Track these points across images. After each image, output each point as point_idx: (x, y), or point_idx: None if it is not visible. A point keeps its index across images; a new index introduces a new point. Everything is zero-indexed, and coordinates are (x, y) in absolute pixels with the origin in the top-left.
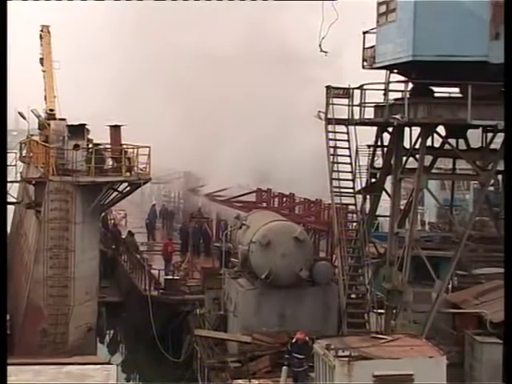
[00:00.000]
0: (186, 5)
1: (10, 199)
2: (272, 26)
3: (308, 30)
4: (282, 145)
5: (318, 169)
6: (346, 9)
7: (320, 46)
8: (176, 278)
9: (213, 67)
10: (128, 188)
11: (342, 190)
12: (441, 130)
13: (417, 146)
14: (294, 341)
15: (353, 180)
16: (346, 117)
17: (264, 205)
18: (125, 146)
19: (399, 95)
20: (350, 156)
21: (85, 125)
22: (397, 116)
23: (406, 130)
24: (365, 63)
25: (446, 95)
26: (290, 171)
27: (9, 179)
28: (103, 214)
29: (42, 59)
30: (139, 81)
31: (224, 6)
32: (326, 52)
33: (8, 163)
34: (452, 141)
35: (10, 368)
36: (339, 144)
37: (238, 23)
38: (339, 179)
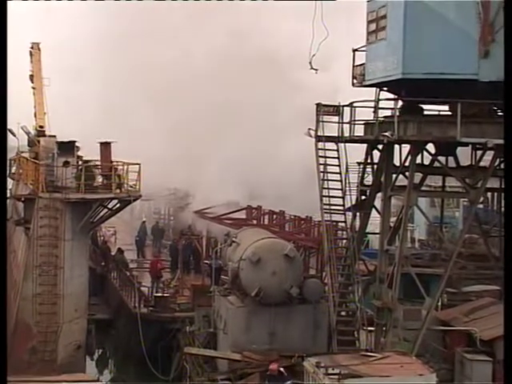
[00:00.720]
0: (170, 16)
1: None
2: (261, 36)
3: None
4: (272, 158)
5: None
6: (335, 27)
7: (310, 63)
8: (166, 295)
9: (199, 79)
10: (118, 205)
11: (332, 207)
12: (430, 147)
13: (406, 164)
14: (268, 373)
15: (343, 197)
16: (336, 134)
17: (254, 222)
18: (115, 163)
19: (389, 113)
20: (340, 173)
21: (75, 142)
22: (387, 133)
23: (396, 147)
24: (354, 81)
25: (436, 113)
26: (278, 186)
27: None
28: (93, 231)
29: (31, 76)
30: (125, 96)
31: (209, 14)
32: (316, 70)
33: None
34: (442, 158)
35: None
36: (329, 161)
37: (222, 29)
38: (329, 196)
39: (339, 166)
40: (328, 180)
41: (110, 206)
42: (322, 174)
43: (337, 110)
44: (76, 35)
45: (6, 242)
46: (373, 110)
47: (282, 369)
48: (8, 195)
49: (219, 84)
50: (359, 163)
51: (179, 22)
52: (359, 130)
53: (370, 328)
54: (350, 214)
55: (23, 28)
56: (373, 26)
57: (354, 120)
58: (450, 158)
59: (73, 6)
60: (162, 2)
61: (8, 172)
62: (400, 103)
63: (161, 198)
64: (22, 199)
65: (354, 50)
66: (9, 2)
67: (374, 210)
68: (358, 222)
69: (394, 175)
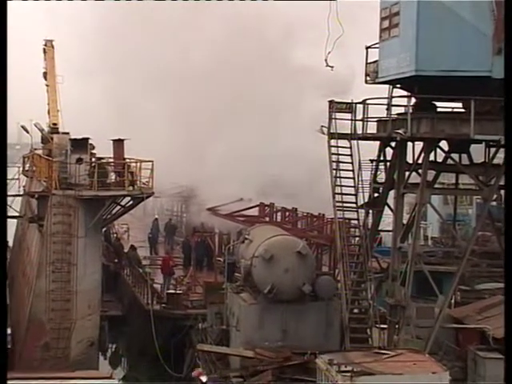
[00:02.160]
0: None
1: (12, 213)
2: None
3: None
4: (285, 156)
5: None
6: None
7: (326, 60)
8: (178, 292)
9: (207, 74)
10: (131, 202)
11: (345, 204)
12: (444, 144)
13: (420, 161)
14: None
15: (355, 195)
16: (349, 131)
17: (267, 219)
18: (128, 160)
19: (402, 110)
20: (352, 171)
21: (88, 139)
22: (400, 131)
23: (409, 144)
24: (368, 78)
25: (449, 110)
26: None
27: (12, 193)
28: (106, 227)
29: (45, 73)
30: (138, 95)
31: (210, 8)
32: (332, 67)
33: (11, 177)
34: (455, 156)
35: (12, 382)
36: (342, 159)
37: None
38: (342, 194)
39: (352, 163)
40: (341, 177)
41: (122, 203)
42: (334, 172)
43: (349, 108)
44: (83, 32)
45: (5, 243)
46: (386, 107)
47: (204, 378)
48: (21, 192)
49: (227, 79)
50: (372, 160)
51: (181, 17)
52: (372, 128)
53: (382, 326)
54: (362, 212)
55: (37, 25)
56: (386, 23)
57: (367, 117)
58: (464, 156)
59: (80, 3)
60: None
61: (21, 169)
62: (413, 100)
63: (172, 195)
64: (36, 196)
65: (367, 47)
66: (11, 2)
67: (386, 207)
68: (370, 220)
69: (407, 173)
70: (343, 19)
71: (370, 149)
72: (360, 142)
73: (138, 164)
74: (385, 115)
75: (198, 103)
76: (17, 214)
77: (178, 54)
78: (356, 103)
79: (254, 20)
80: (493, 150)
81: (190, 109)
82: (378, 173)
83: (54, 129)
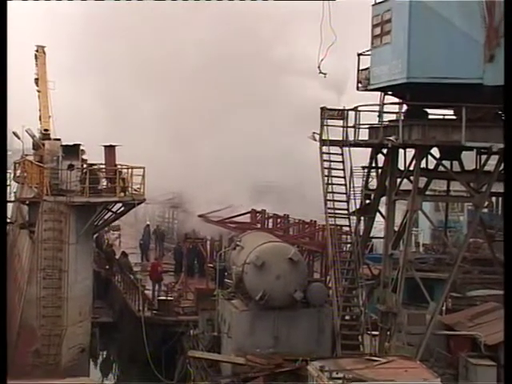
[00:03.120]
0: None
1: None
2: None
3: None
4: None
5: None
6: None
7: (319, 67)
8: (169, 298)
9: (200, 78)
10: (122, 208)
11: (337, 211)
12: (435, 151)
13: (411, 168)
14: None
15: (347, 201)
16: (341, 138)
17: (258, 226)
18: (119, 167)
19: (394, 117)
20: (344, 177)
21: (79, 145)
22: (391, 138)
23: (401, 151)
24: (359, 85)
25: (441, 117)
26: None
27: None
28: (97, 234)
29: (36, 79)
30: (129, 99)
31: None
32: (325, 74)
33: None
34: (446, 163)
35: None
36: (334, 165)
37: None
38: (334, 200)
39: (344, 169)
40: (332, 184)
41: (114, 209)
42: (326, 178)
43: (341, 114)
44: (72, 34)
45: (5, 244)
46: (377, 114)
47: None
48: (13, 198)
49: (219, 80)
50: (364, 167)
51: (173, 17)
52: (364, 134)
53: (374, 332)
54: (354, 218)
55: (29, 30)
56: (378, 30)
57: (359, 124)
58: (455, 163)
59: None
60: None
61: (13, 175)
62: (405, 107)
63: (163, 202)
64: (27, 202)
65: (359, 54)
66: (10, 3)
67: (378, 214)
68: (362, 226)
69: (399, 179)
70: (338, 22)
71: (362, 156)
72: (352, 148)
73: (130, 170)
74: (376, 122)
75: (189, 105)
76: (8, 220)
77: (170, 54)
78: (348, 110)
79: (247, 19)
80: (484, 157)
81: (181, 112)
82: (370, 179)
83: (45, 135)
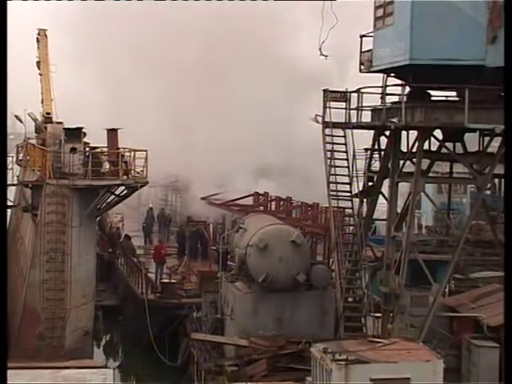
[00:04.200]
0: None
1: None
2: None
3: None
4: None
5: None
6: (344, 12)
7: (320, 49)
8: (173, 281)
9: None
10: (125, 191)
11: (339, 193)
12: (438, 133)
13: (414, 150)
14: None
15: (350, 183)
16: (343, 120)
17: (261, 208)
18: (122, 150)
19: (396, 99)
20: (347, 159)
21: (81, 128)
22: (394, 119)
23: (403, 133)
24: (362, 67)
25: (444, 99)
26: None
27: None
28: (100, 217)
29: (38, 62)
30: (130, 83)
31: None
32: (326, 56)
33: None
34: (449, 144)
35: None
36: (336, 147)
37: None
38: (336, 182)
39: (346, 152)
40: (335, 166)
41: (117, 192)
42: (329, 161)
43: (344, 96)
44: (74, 19)
45: (5, 240)
46: (380, 96)
47: None
48: (15, 182)
49: (218, 67)
50: (366, 149)
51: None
52: (366, 116)
53: (376, 314)
54: (357, 201)
55: (31, 13)
56: (380, 12)
57: (362, 106)
58: (458, 144)
59: None
60: None
61: (15, 158)
62: (407, 89)
63: (166, 185)
64: (30, 186)
65: (362, 36)
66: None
67: (381, 196)
68: (365, 209)
69: (402, 161)
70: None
71: (365, 138)
72: (354, 130)
73: (132, 153)
74: (379, 104)
75: (190, 88)
76: (11, 204)
77: (171, 38)
78: (350, 92)
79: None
80: (487, 138)
81: (181, 94)
82: (373, 161)
83: (47, 118)
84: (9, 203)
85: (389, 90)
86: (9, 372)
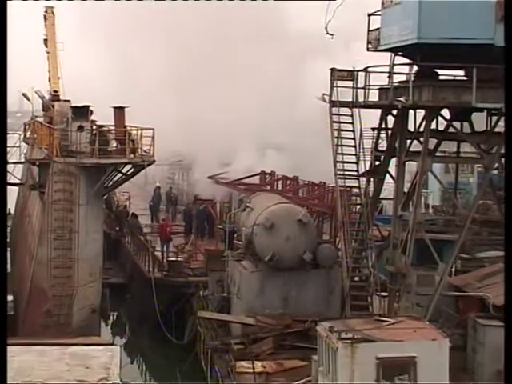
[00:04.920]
0: None
1: (14, 180)
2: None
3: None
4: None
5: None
6: None
7: (326, 28)
8: (179, 260)
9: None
10: (132, 170)
11: (346, 172)
12: (445, 113)
13: (421, 129)
14: None
15: (357, 163)
16: (351, 99)
17: (268, 187)
18: (129, 128)
19: (404, 78)
20: (354, 139)
21: (89, 106)
22: (401, 99)
23: (411, 112)
24: (369, 45)
25: (451, 78)
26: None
27: (13, 160)
28: (107, 195)
29: (46, 40)
30: (138, 65)
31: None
32: (332, 35)
33: (12, 144)
34: (456, 124)
35: (14, 348)
36: (343, 127)
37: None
38: (343, 162)
39: (353, 131)
40: (342, 145)
41: (123, 170)
42: (336, 140)
43: (351, 75)
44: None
45: (5, 234)
46: (387, 75)
47: None
48: (23, 159)
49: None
50: (373, 129)
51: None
52: (374, 96)
53: (383, 293)
54: (363, 180)
55: None
56: None
57: (369, 85)
58: (465, 124)
59: None
60: None
61: (23, 136)
62: (415, 68)
63: (173, 164)
64: (37, 163)
65: (370, 15)
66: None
67: (388, 175)
68: (371, 188)
69: (409, 141)
70: None
71: (372, 117)
72: (362, 110)
73: (139, 132)
74: (386, 83)
75: (196, 65)
76: (18, 182)
77: (177, 18)
78: (358, 71)
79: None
80: (494, 118)
81: (188, 72)
82: (380, 141)
83: (54, 96)
84: (16, 181)
85: (396, 68)
86: (17, 348)
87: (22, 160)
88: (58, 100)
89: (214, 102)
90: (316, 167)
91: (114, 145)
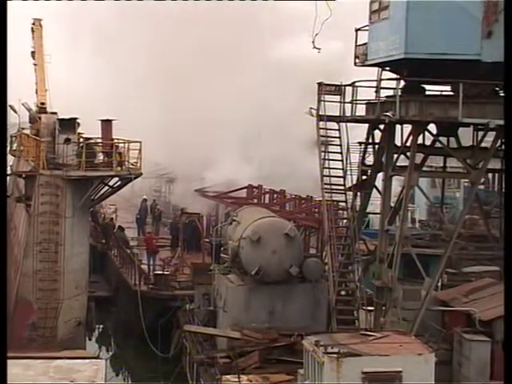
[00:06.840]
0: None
1: None
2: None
3: None
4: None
5: None
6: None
7: (313, 42)
8: (166, 273)
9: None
10: (119, 183)
11: (333, 186)
12: (432, 127)
13: (408, 144)
14: None
15: (344, 177)
16: (338, 113)
17: (255, 201)
18: (116, 141)
19: (391, 93)
20: (341, 153)
21: (76, 119)
22: (388, 113)
23: (398, 127)
24: (357, 60)
25: (438, 93)
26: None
27: None
28: (93, 208)
29: (33, 52)
30: (125, 77)
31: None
32: (318, 49)
33: None
34: (443, 139)
35: None
36: (330, 141)
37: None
38: (330, 176)
39: (340, 145)
40: (329, 159)
41: (110, 183)
42: (323, 154)
43: (338, 90)
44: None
45: (6, 236)
46: (375, 89)
47: None
48: (9, 172)
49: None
50: (360, 143)
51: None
52: (361, 110)
53: (369, 307)
54: (350, 194)
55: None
56: (376, 6)
57: (356, 99)
58: (452, 139)
59: None
60: None
61: (9, 148)
62: (402, 83)
63: (160, 176)
64: (23, 176)
65: (357, 30)
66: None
67: (374, 189)
68: (358, 202)
69: (395, 155)
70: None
71: (359, 131)
72: (349, 124)
73: (127, 144)
74: (374, 98)
75: (188, 80)
76: None
77: (167, 31)
78: (345, 85)
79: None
80: (481, 133)
81: (175, 87)
82: (367, 155)
83: (41, 108)
84: None
85: (383, 83)
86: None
87: (8, 172)
88: (45, 112)
89: (198, 112)
90: (299, 180)
91: (101, 157)
